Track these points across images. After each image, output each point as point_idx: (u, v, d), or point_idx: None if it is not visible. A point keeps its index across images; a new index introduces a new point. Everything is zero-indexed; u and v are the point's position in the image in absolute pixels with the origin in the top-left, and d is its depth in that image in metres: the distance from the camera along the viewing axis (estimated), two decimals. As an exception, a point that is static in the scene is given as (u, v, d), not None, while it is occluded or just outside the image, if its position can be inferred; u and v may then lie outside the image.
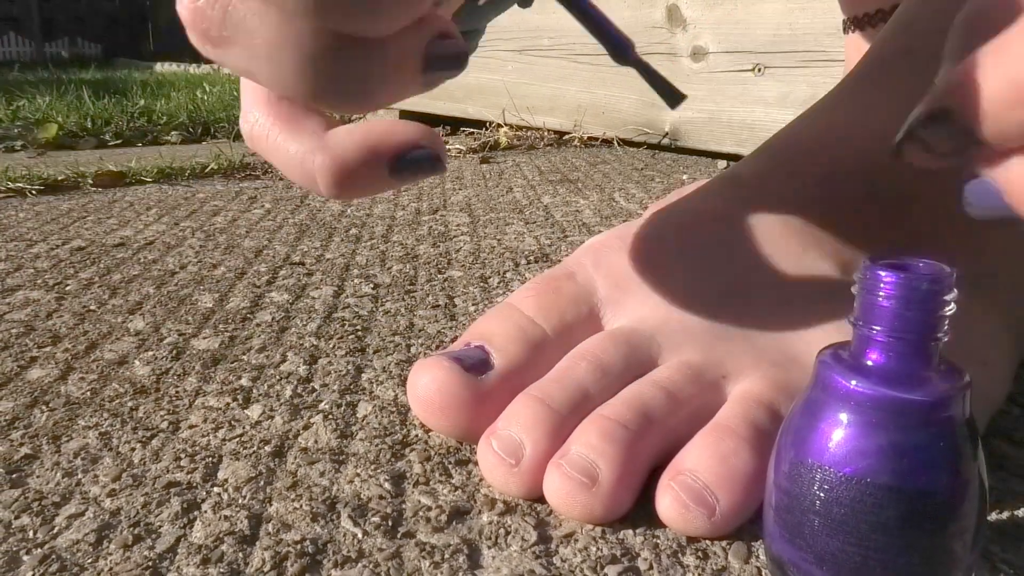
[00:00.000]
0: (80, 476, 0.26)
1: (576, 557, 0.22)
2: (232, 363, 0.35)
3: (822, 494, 0.19)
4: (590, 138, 1.09)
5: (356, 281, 0.47)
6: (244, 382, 0.33)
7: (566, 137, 1.11)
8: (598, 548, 0.23)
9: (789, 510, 0.20)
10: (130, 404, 0.31)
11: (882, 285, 0.18)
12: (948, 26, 0.19)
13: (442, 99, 1.33)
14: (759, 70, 0.89)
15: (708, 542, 0.23)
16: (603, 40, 0.26)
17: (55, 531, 0.23)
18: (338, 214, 0.66)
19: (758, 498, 0.23)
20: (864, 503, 0.18)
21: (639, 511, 0.24)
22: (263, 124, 0.22)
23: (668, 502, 0.23)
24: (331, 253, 0.54)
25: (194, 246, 0.55)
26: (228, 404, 0.31)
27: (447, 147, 1.03)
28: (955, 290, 0.18)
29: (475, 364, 0.27)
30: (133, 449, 0.28)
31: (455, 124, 1.30)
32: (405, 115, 1.33)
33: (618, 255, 0.30)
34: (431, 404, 0.27)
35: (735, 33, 0.91)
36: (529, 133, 1.13)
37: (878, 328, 0.19)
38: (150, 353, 0.36)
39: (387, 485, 0.26)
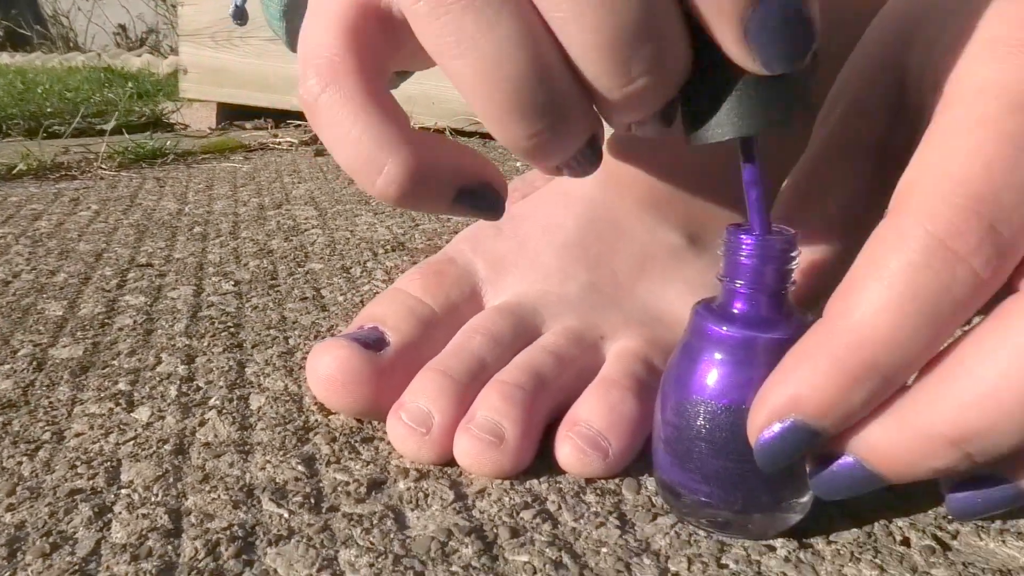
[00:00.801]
0: (-33, 495, 0.25)
1: (493, 508, 0.25)
2: (103, 369, 0.34)
3: (706, 424, 0.22)
4: (422, 128, 1.10)
5: (215, 279, 0.47)
6: (122, 387, 0.33)
7: (395, 127, 1.12)
8: (510, 498, 0.25)
9: (678, 441, 0.23)
10: (1, 419, 0.30)
11: (744, 247, 0.22)
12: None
13: (265, 91, 1.29)
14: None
15: (604, 481, 0.26)
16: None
17: (-44, 551, 0.23)
18: (176, 212, 0.63)
19: (643, 439, 0.26)
20: (741, 427, 0.22)
21: (540, 463, 0.27)
22: (345, 97, 0.21)
23: (568, 450, 0.26)
24: (179, 253, 0.52)
25: (22, 253, 0.51)
26: (111, 409, 0.31)
27: (277, 140, 1.01)
28: (798, 248, 0.22)
29: (372, 343, 0.29)
30: (20, 463, 0.27)
31: (278, 116, 1.27)
32: (224, 107, 1.28)
33: (494, 239, 0.33)
34: (334, 382, 0.28)
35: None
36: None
37: (741, 282, 0.22)
38: (7, 367, 0.34)
39: (300, 468, 0.27)
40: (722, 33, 0.18)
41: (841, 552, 0.23)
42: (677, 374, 0.23)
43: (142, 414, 0.30)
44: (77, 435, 0.29)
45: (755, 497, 0.22)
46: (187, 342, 0.37)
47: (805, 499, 0.23)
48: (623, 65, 0.18)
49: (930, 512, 0.24)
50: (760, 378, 0.22)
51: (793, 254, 0.22)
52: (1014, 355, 0.17)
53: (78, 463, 0.27)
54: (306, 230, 0.58)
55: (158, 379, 0.33)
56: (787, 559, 0.22)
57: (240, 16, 0.36)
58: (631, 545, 0.23)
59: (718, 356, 0.22)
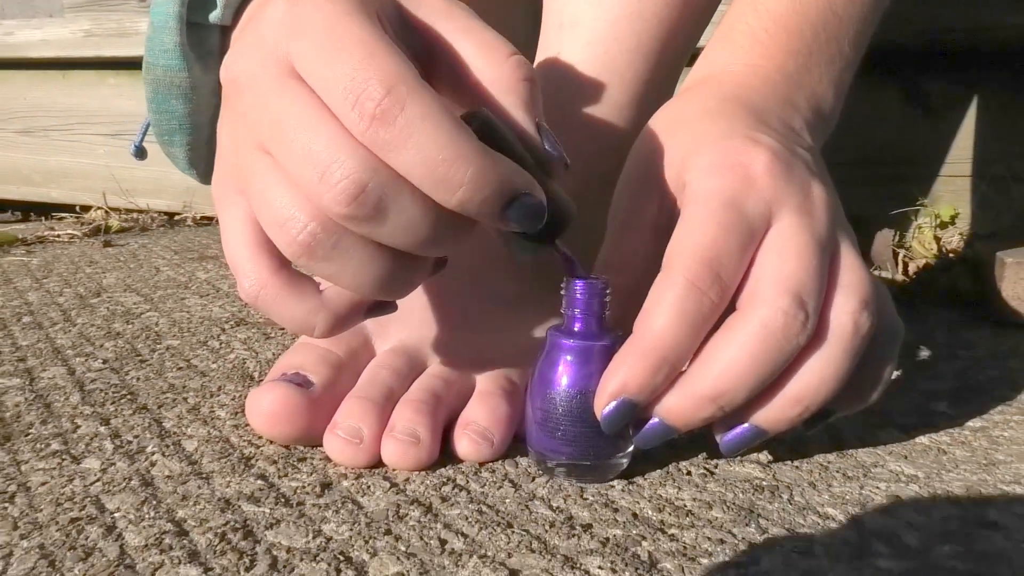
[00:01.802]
0: (-28, 535, 0.29)
1: (420, 488, 0.34)
2: (26, 437, 0.38)
3: (564, 404, 0.34)
4: (204, 218, 1.14)
5: (80, 359, 0.50)
6: (56, 447, 0.37)
7: (177, 217, 1.14)
8: (431, 481, 0.34)
9: (546, 420, 0.34)
10: (-46, 482, 0.33)
11: (578, 288, 0.34)
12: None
13: (15, 183, 1.24)
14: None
15: (492, 463, 0.36)
16: (572, 272, 0.34)
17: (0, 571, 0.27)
18: (-10, 306, 0.64)
19: (514, 430, 0.37)
20: (588, 402, 0.33)
21: (443, 457, 0.36)
22: (270, 291, 0.31)
23: (465, 443, 0.36)
24: (24, 340, 0.54)
25: None
26: (60, 463, 0.35)
27: (56, 233, 0.99)
28: (609, 287, 0.35)
29: (301, 383, 0.37)
30: (4, 507, 0.31)
31: (27, 209, 1.22)
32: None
33: None
34: (276, 415, 0.36)
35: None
36: (137, 216, 1.14)
37: (578, 310, 0.34)
38: (-76, 443, 0.37)
39: (259, 483, 0.34)
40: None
41: (654, 483, 0.35)
42: (541, 375, 0.35)
43: (92, 464, 0.35)
44: (43, 483, 0.33)
45: (601, 451, 0.34)
46: (92, 409, 0.42)
47: (630, 450, 0.35)
48: (430, 246, 0.30)
49: (699, 455, 0.38)
50: (596, 371, 0.34)
51: (608, 292, 0.35)
52: (738, 347, 0.31)
53: (61, 501, 0.32)
54: (141, 314, 0.62)
55: (88, 439, 0.38)
56: (623, 490, 0.34)
57: (140, 154, 0.43)
58: (523, 496, 0.33)
59: (568, 359, 0.34)
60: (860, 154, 0.81)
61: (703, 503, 0.33)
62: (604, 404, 0.32)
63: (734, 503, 0.33)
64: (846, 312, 0.32)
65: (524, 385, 0.39)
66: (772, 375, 0.31)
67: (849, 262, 0.33)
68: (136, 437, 0.38)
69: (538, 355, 0.35)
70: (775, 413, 0.32)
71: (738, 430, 0.33)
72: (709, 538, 0.30)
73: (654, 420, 0.33)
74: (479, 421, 0.36)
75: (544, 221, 0.30)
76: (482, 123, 0.30)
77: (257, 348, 0.53)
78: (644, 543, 0.30)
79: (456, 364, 0.39)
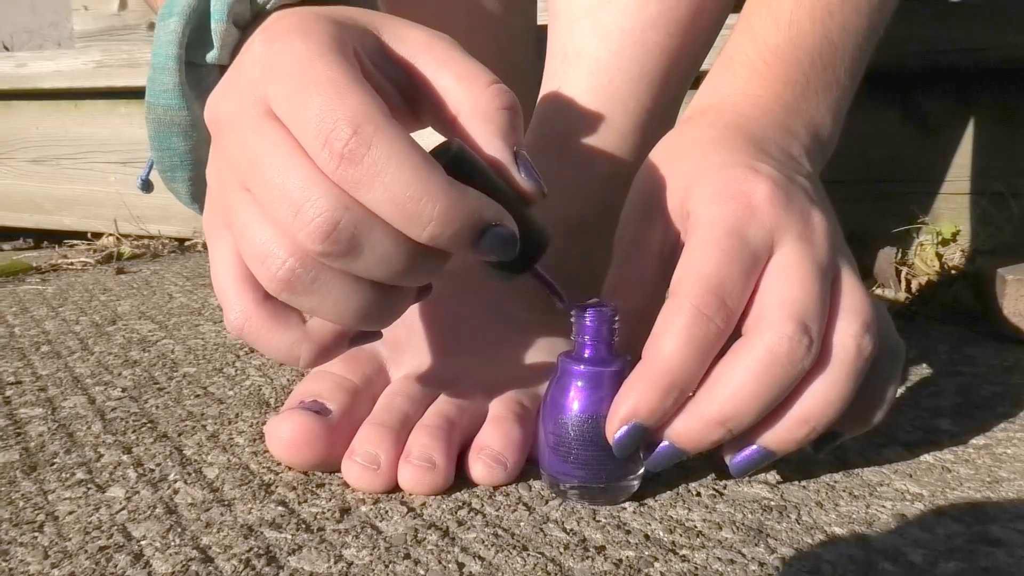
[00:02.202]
0: (8, 563, 0.30)
1: (437, 512, 0.35)
2: (51, 466, 0.39)
3: (576, 429, 0.35)
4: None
5: (99, 388, 0.51)
6: (81, 476, 0.38)
7: (187, 243, 1.16)
8: (446, 505, 0.35)
9: (559, 445, 0.35)
10: (-15, 512, 0.34)
11: (587, 316, 0.35)
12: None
13: (28, 211, 1.26)
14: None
15: (506, 486, 0.37)
16: (552, 292, 0.35)
17: (32, 597, 0.28)
18: (7, 335, 0.65)
19: (526, 454, 0.38)
20: (599, 428, 0.34)
21: (457, 482, 0.37)
22: (255, 322, 0.32)
23: (480, 467, 0.37)
24: (44, 369, 0.55)
25: None
26: (86, 492, 0.36)
27: (69, 261, 1.01)
28: (618, 315, 0.36)
29: (319, 410, 0.38)
30: (35, 537, 0.32)
31: (39, 236, 1.24)
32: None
33: (389, 328, 0.43)
34: (296, 442, 0.37)
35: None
36: (148, 242, 1.15)
37: (588, 337, 0.35)
38: (-47, 474, 0.38)
39: (279, 509, 0.35)
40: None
41: (664, 503, 0.36)
42: (553, 400, 0.36)
43: (117, 492, 0.36)
44: (70, 512, 0.34)
45: (612, 474, 0.35)
46: (115, 438, 0.43)
47: (640, 472, 0.36)
48: (408, 277, 0.31)
49: (708, 476, 0.38)
50: (607, 396, 0.35)
51: (616, 319, 0.36)
52: (744, 371, 0.32)
53: (89, 530, 0.33)
54: (156, 341, 0.64)
55: (111, 467, 0.39)
56: (635, 512, 0.35)
57: (147, 188, 0.44)
58: (537, 519, 0.34)
59: (579, 384, 0.35)
60: (861, 172, 0.83)
61: (713, 524, 0.34)
62: (616, 428, 0.33)
63: (743, 523, 0.34)
64: (849, 335, 0.32)
65: (536, 408, 0.40)
66: (778, 398, 0.32)
67: (850, 286, 0.34)
68: (158, 465, 0.39)
69: (550, 380, 0.36)
70: (783, 434, 0.33)
71: (747, 451, 0.34)
72: (719, 558, 0.31)
73: (664, 443, 0.34)
74: (493, 445, 0.37)
75: (517, 249, 0.31)
76: (453, 156, 0.31)
77: (272, 375, 0.54)
78: (656, 564, 0.31)
79: (469, 389, 0.40)
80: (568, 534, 0.33)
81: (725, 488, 0.37)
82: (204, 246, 1.15)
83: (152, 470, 0.39)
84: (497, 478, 0.37)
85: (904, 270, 0.76)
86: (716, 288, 0.32)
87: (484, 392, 0.41)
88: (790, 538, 0.33)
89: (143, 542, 0.32)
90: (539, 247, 0.33)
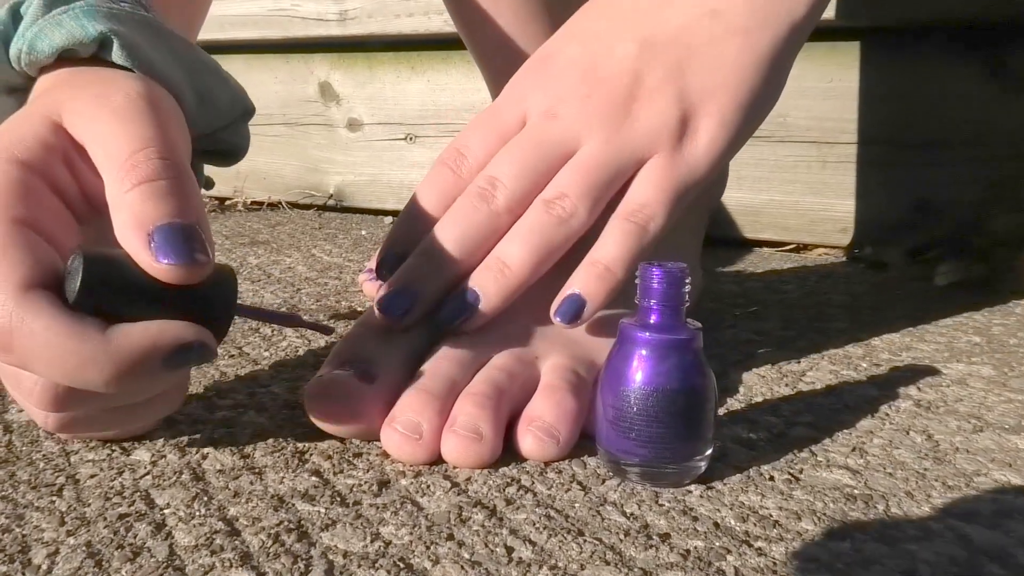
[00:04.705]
0: (21, 529, 0.28)
1: (483, 489, 0.32)
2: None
3: (639, 403, 0.31)
4: (254, 202, 1.14)
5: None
6: (96, 444, 0.36)
7: (228, 203, 1.14)
8: (493, 481, 0.32)
9: (620, 419, 0.32)
10: (2, 472, 0.32)
11: (655, 276, 0.32)
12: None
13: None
14: (410, 139, 1.04)
15: (558, 463, 0.34)
16: (273, 322, 0.35)
17: (45, 569, 0.26)
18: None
19: (581, 427, 0.35)
20: (664, 401, 0.31)
21: (504, 456, 0.34)
22: (43, 322, 0.26)
23: (529, 440, 0.34)
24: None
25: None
26: (110, 455, 0.34)
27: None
28: (690, 275, 0.32)
29: (362, 374, 0.35)
30: (52, 501, 0.30)
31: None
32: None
33: None
34: (333, 407, 0.34)
35: (386, 107, 1.05)
36: (189, 200, 1.14)
37: (654, 301, 0.32)
38: (-26, 431, 0.36)
39: (313, 479, 0.32)
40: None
41: (734, 489, 0.32)
42: (614, 370, 0.32)
43: (142, 456, 0.34)
44: (92, 476, 0.32)
45: (678, 454, 0.31)
46: (143, 398, 0.40)
47: (708, 452, 0.32)
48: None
49: (782, 460, 0.35)
50: (674, 368, 0.31)
51: (688, 280, 0.32)
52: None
53: (110, 495, 0.31)
54: (193, 299, 0.61)
55: (133, 438, 0.37)
56: (701, 496, 0.32)
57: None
58: (593, 500, 0.31)
59: (643, 353, 0.31)
60: (938, 135, 0.77)
61: (790, 513, 0.30)
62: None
63: (824, 513, 0.30)
64: None
65: (593, 379, 0.36)
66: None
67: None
68: (189, 428, 0.37)
69: (611, 349, 0.33)
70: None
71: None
72: (800, 554, 0.28)
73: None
74: (544, 417, 0.34)
75: (204, 351, 0.29)
76: (79, 291, 0.27)
77: (310, 336, 0.51)
78: (729, 558, 0.27)
79: (521, 356, 0.37)
80: (628, 519, 0.30)
81: (801, 473, 0.34)
82: (244, 206, 1.13)
83: (181, 434, 0.36)
84: (548, 453, 0.34)
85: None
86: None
87: (537, 359, 0.37)
88: (880, 533, 0.29)
89: (166, 511, 0.30)
90: (225, 306, 0.30)
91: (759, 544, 0.28)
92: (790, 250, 0.83)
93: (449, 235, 0.37)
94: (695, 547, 0.28)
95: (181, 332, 0.28)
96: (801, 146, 0.81)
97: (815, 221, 0.82)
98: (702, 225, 0.57)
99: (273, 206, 1.13)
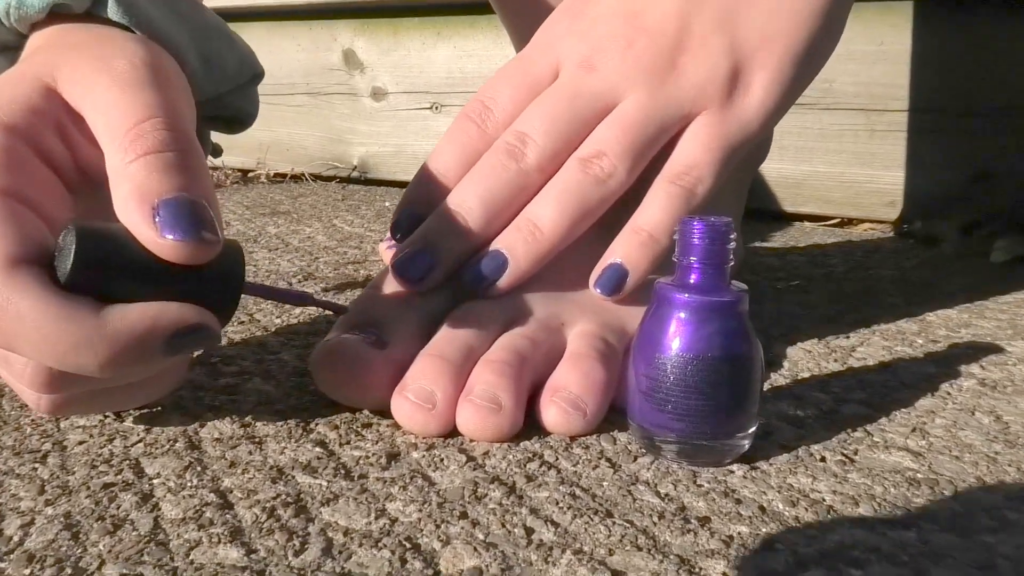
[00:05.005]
0: (1, 498, 0.26)
1: (502, 464, 0.29)
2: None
3: (676, 371, 0.28)
4: (277, 175, 1.11)
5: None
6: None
7: (251, 175, 1.12)
8: (513, 455, 0.29)
9: (655, 390, 0.28)
10: (-13, 436, 0.30)
11: (695, 230, 0.28)
12: None
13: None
14: (436, 108, 1.01)
15: (584, 438, 0.31)
16: (284, 301, 0.32)
17: (16, 541, 0.23)
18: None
19: (610, 399, 0.32)
20: (705, 370, 0.28)
21: (527, 428, 0.31)
22: (30, 302, 0.24)
23: (553, 412, 0.31)
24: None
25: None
26: (102, 420, 0.32)
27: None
28: (735, 231, 0.29)
29: (374, 340, 0.32)
30: (34, 468, 0.28)
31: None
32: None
33: None
34: (343, 373, 0.31)
35: (411, 76, 1.02)
36: (212, 172, 1.12)
37: (695, 258, 0.28)
38: (-37, 393, 0.34)
39: (317, 450, 0.30)
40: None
41: (781, 470, 0.29)
42: (648, 335, 0.29)
43: (136, 423, 0.32)
44: (80, 443, 0.30)
45: (719, 429, 0.28)
46: (144, 362, 0.38)
47: (752, 430, 0.29)
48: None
49: (833, 439, 0.31)
50: (717, 333, 0.28)
51: (732, 236, 0.28)
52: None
53: (97, 463, 0.28)
54: (207, 266, 0.59)
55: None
56: (744, 476, 0.28)
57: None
58: (624, 479, 0.28)
59: (682, 316, 0.28)
60: (997, 102, 0.72)
61: (846, 497, 0.27)
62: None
63: (885, 499, 0.27)
64: None
65: (623, 347, 0.33)
66: None
67: None
68: (187, 393, 0.34)
69: (645, 313, 0.30)
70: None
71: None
72: (860, 543, 0.24)
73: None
74: (570, 387, 0.31)
75: (207, 335, 0.26)
76: (70, 272, 0.24)
77: (324, 303, 0.49)
78: (778, 545, 0.24)
79: (544, 321, 0.34)
80: (663, 500, 0.27)
81: (856, 454, 0.30)
82: (267, 177, 1.11)
83: (180, 399, 0.34)
84: (574, 426, 0.31)
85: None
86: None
87: (563, 326, 0.34)
88: (949, 522, 0.26)
89: (155, 480, 0.27)
90: (231, 287, 0.28)
91: (812, 532, 0.25)
92: (833, 224, 0.79)
93: (473, 194, 0.34)
94: (739, 533, 0.25)
95: (182, 314, 0.25)
96: (848, 114, 0.77)
97: (860, 194, 0.77)
98: (745, 186, 0.53)
99: (296, 178, 1.11)
